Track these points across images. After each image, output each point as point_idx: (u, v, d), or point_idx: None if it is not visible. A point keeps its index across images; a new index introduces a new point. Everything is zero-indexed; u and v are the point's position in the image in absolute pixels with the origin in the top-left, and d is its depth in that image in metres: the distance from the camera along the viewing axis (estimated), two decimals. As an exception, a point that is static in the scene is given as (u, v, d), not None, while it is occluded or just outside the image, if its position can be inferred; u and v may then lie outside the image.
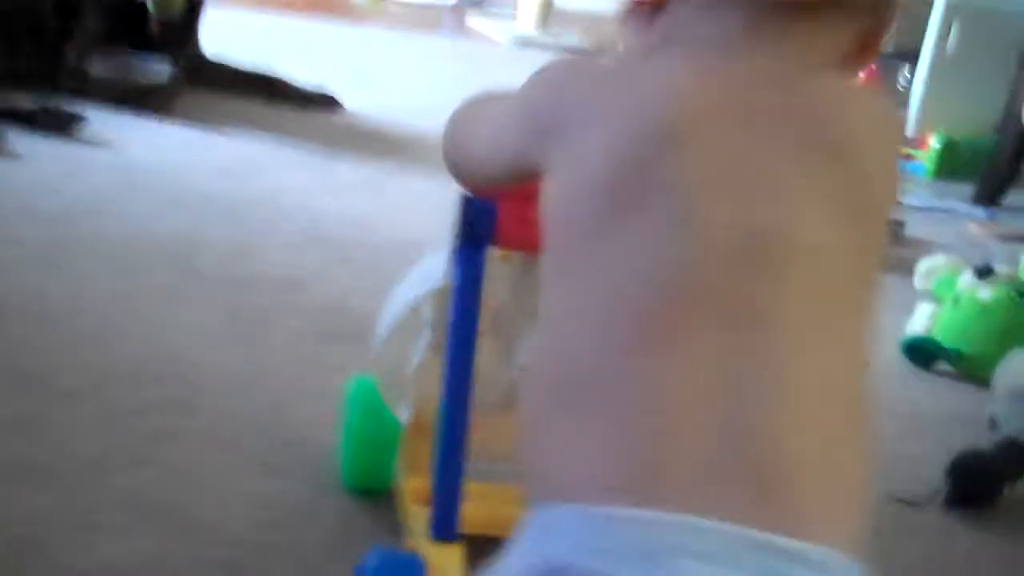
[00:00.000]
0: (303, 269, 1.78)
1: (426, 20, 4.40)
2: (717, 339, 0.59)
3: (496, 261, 1.01)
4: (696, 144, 0.63)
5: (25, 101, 2.30)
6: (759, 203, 0.62)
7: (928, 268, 2.08)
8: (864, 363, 0.64)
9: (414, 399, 1.11)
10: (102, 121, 2.32)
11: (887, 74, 3.76)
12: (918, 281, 2.07)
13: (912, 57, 3.45)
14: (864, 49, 0.72)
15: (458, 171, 0.82)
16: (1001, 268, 1.90)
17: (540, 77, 0.70)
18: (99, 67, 2.47)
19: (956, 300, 1.84)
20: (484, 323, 1.01)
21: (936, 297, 1.96)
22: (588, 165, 0.64)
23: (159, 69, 2.47)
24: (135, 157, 2.19)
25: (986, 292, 1.81)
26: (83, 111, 2.29)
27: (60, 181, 2.00)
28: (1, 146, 2.08)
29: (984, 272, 1.86)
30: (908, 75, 3.54)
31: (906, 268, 2.14)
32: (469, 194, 0.92)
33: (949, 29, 3.22)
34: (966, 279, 1.86)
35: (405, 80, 3.24)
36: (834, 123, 0.66)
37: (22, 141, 2.14)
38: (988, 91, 3.12)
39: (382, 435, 1.16)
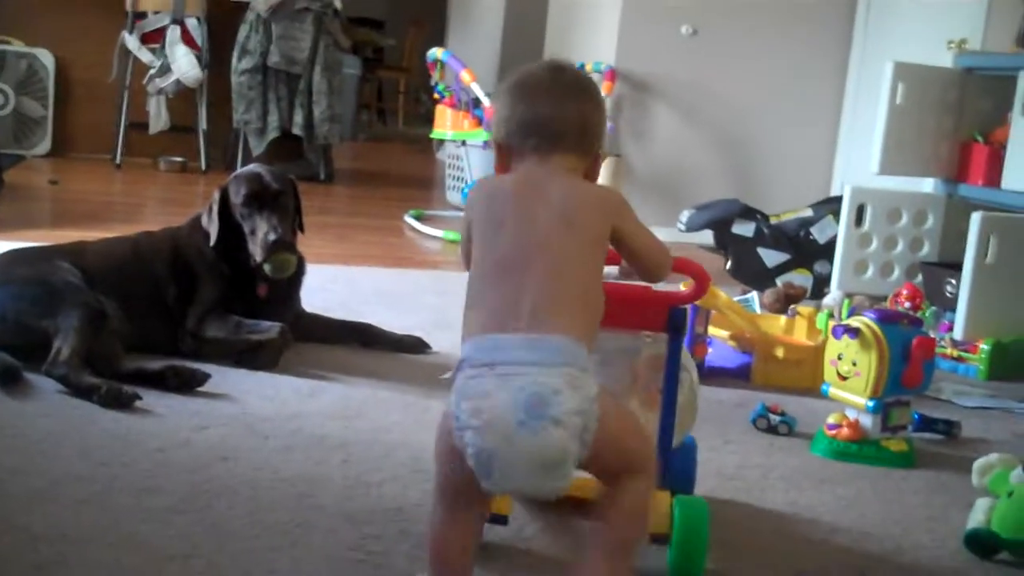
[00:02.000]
0: (409, 499, 1.99)
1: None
2: (514, 275, 1.51)
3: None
4: (512, 206, 1.58)
5: (151, 363, 2.57)
6: (531, 227, 1.55)
7: (983, 466, 2.21)
8: (587, 283, 1.55)
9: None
10: (222, 376, 2.60)
11: (934, 283, 3.96)
12: (975, 479, 2.20)
13: (956, 267, 3.65)
14: (590, 172, 1.69)
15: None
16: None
17: (473, 189, 1.69)
18: (214, 329, 2.74)
19: (1010, 494, 1.99)
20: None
21: (992, 492, 2.10)
22: (480, 214, 1.61)
23: (267, 327, 2.74)
24: (254, 407, 2.44)
25: (1036, 484, 1.96)
26: (204, 368, 2.56)
27: (190, 433, 2.24)
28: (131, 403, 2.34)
29: (1034, 466, 2.01)
30: (954, 284, 3.72)
31: (964, 467, 2.29)
32: None
33: (987, 242, 3.43)
34: (1017, 474, 2.02)
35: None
36: (567, 195, 1.58)
37: (152, 398, 2.40)
38: (1029, 295, 3.33)
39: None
